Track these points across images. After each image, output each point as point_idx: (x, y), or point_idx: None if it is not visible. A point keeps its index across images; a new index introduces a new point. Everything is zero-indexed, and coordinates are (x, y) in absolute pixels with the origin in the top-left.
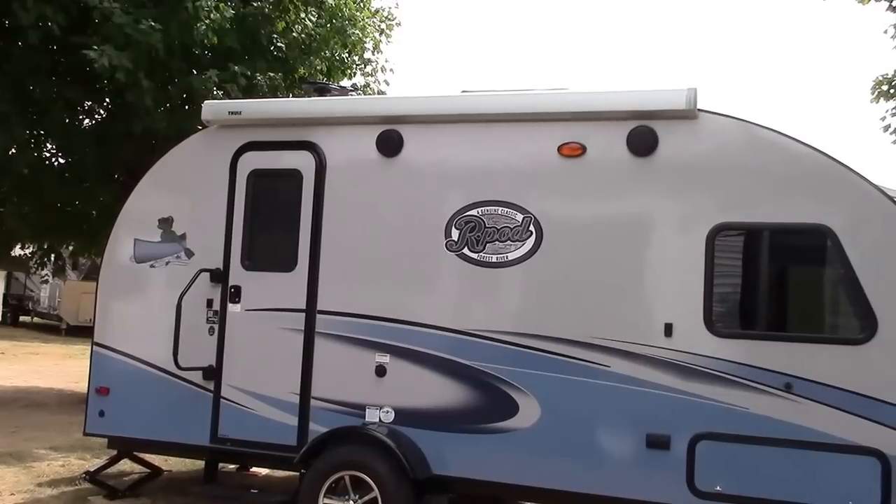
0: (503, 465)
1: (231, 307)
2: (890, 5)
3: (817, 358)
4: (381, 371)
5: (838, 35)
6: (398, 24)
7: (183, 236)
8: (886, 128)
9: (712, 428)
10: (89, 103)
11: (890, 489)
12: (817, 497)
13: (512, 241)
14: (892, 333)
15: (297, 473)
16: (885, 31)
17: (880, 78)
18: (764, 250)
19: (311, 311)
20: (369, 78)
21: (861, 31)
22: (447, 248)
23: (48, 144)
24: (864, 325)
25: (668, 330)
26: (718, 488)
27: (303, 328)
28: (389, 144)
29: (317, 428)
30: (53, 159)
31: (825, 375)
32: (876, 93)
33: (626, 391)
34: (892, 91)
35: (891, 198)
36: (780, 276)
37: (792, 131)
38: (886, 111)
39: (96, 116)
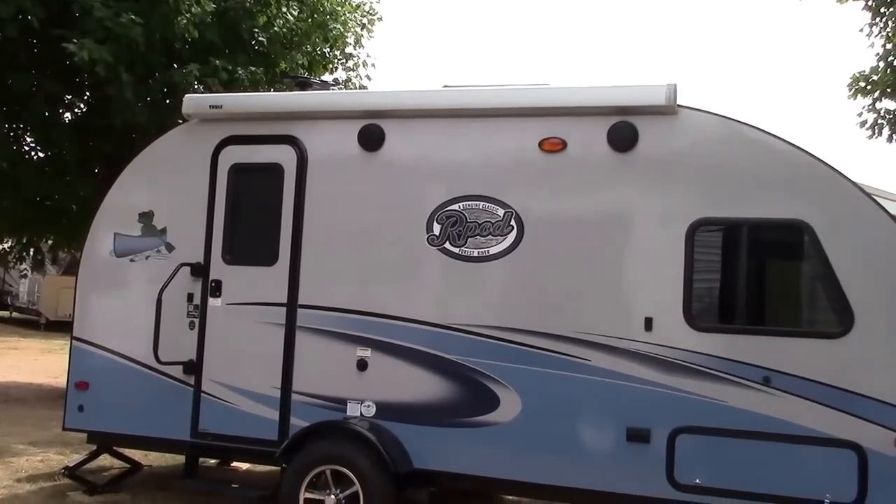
0: (484, 458)
1: (212, 301)
2: (866, 4)
3: (795, 352)
4: (362, 365)
5: (817, 32)
6: (379, 19)
7: (163, 230)
8: (863, 124)
9: (692, 421)
10: (69, 97)
11: (867, 481)
12: (795, 489)
13: (493, 235)
14: (868, 327)
15: (279, 468)
16: (861, 30)
17: (857, 75)
18: (743, 245)
19: (292, 305)
20: (351, 72)
21: (839, 29)
22: (429, 243)
23: (27, 138)
24: (841, 320)
25: (648, 324)
26: (698, 481)
27: (284, 322)
28: (371, 139)
29: (298, 422)
30: (33, 153)
31: (803, 369)
32: (853, 89)
33: (606, 385)
34: (868, 87)
35: (867, 193)
36: (758, 270)
37: (771, 127)
38: (863, 107)
39: (76, 110)
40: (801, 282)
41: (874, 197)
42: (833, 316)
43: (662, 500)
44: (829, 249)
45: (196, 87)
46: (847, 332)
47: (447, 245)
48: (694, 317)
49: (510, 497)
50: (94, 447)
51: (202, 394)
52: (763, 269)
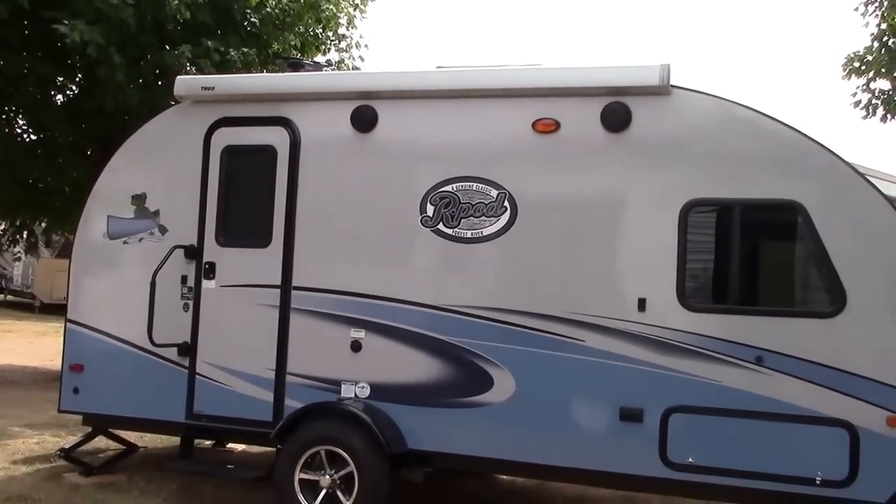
0: (478, 439)
1: (205, 283)
2: None
3: (788, 331)
4: (356, 346)
5: (811, 12)
6: (372, 0)
7: (156, 212)
8: (857, 104)
9: (684, 401)
10: (60, 79)
11: (858, 459)
12: (787, 468)
13: (487, 216)
14: (860, 307)
15: (273, 449)
16: (856, 9)
17: (852, 55)
18: (736, 226)
19: (286, 287)
20: (343, 54)
21: (833, 9)
22: (422, 224)
23: (19, 120)
24: (834, 299)
25: (642, 305)
26: (690, 460)
27: (278, 304)
28: (364, 120)
29: (292, 403)
30: (24, 135)
31: (795, 349)
32: (848, 69)
33: (599, 365)
34: (863, 68)
35: (861, 174)
36: (752, 251)
37: (764, 108)
38: (857, 87)
39: (67, 92)
40: (795, 262)
41: (868, 177)
42: (826, 296)
43: (655, 479)
44: (822, 230)
45: (188, 68)
46: (840, 312)
47: (441, 226)
48: (687, 297)
49: (504, 477)
50: (89, 429)
51: (197, 375)
52: (756, 249)
